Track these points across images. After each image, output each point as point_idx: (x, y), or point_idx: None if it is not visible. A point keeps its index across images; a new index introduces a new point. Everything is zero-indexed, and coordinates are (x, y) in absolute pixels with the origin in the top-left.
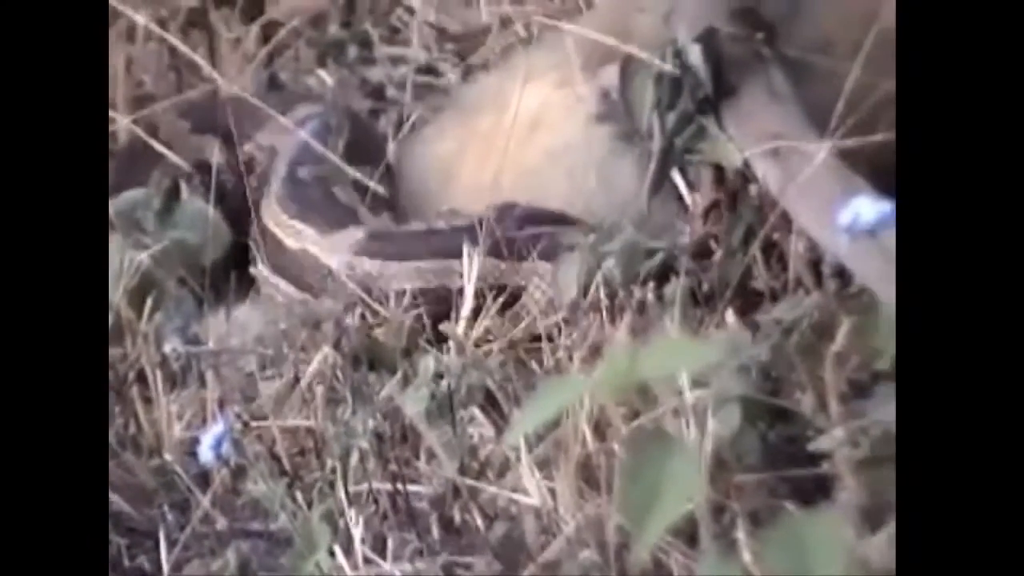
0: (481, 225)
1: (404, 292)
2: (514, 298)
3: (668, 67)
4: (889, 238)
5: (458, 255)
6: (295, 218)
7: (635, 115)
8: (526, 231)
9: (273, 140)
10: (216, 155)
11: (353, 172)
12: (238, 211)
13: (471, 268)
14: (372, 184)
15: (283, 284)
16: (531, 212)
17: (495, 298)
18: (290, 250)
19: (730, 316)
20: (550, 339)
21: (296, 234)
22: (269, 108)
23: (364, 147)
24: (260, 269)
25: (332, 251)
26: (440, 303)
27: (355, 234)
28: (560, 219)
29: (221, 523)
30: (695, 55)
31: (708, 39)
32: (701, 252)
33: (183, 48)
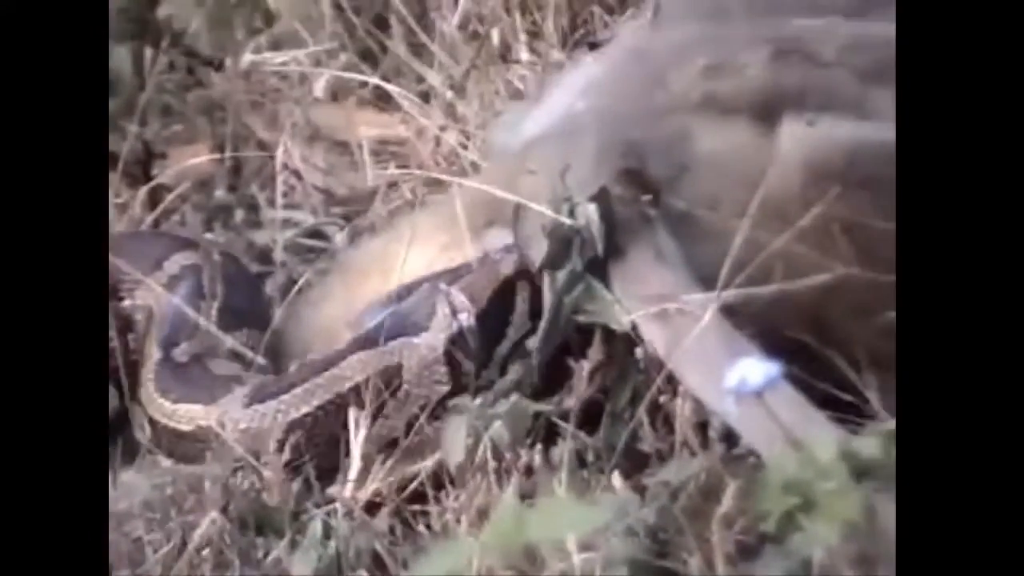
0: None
1: (288, 444)
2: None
3: (569, 221)
4: (774, 399)
5: (344, 358)
6: (179, 402)
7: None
8: (394, 309)
9: (150, 300)
10: None
11: (231, 342)
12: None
13: (357, 430)
14: (251, 354)
15: (175, 464)
16: (395, 293)
17: (384, 461)
18: (186, 432)
19: (617, 479)
20: (437, 500)
21: (185, 416)
22: (137, 269)
23: (242, 306)
24: (155, 456)
25: (223, 414)
26: (327, 457)
27: (241, 392)
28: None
29: None
30: (591, 214)
31: (602, 199)
32: (588, 415)
33: None
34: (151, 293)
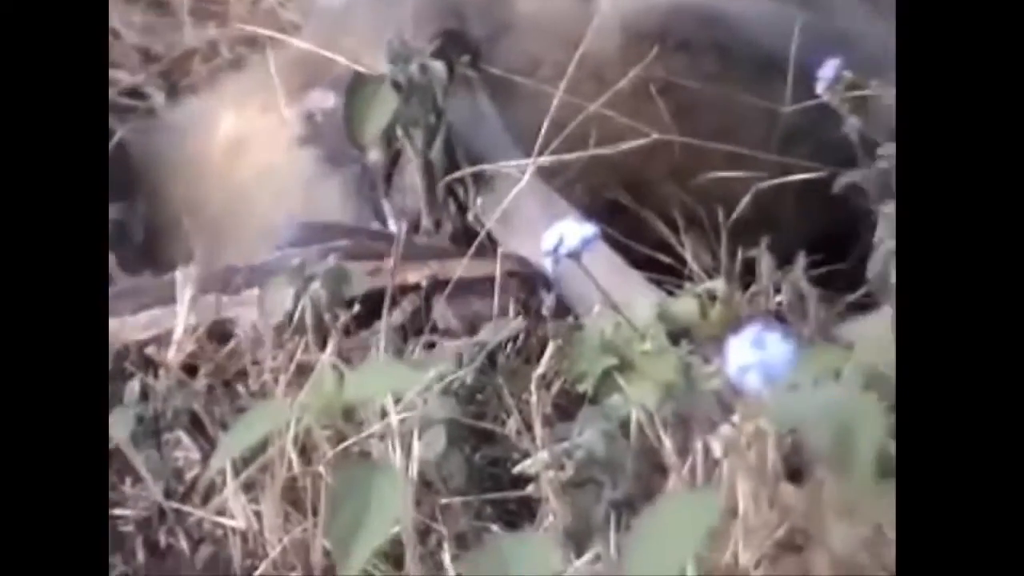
0: None
1: None
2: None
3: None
4: (592, 260)
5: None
6: None
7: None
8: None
9: None
10: None
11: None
12: None
13: (183, 292)
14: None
15: None
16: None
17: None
18: None
19: (436, 339)
20: (255, 362)
21: None
22: None
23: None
24: None
25: None
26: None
27: None
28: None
29: None
30: (438, 70)
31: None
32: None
33: None
34: None
